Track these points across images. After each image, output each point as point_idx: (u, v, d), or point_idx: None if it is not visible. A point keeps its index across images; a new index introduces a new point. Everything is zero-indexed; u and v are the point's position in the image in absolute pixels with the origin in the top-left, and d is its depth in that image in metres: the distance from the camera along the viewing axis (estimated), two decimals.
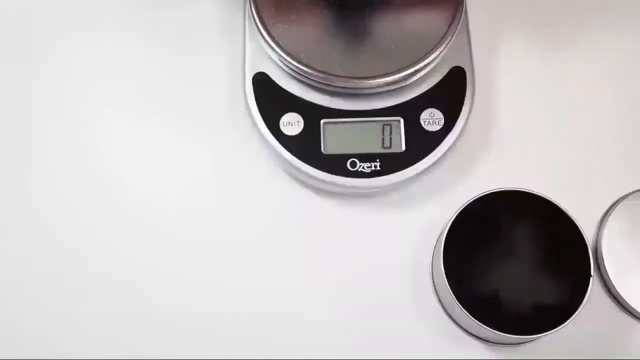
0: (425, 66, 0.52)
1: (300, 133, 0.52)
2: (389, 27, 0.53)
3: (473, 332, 0.51)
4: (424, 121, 0.53)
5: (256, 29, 0.53)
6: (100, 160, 0.55)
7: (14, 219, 0.54)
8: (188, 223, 0.54)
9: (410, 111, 0.53)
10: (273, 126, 0.52)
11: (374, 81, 0.51)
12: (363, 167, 0.52)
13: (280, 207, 0.54)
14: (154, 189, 0.55)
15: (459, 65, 0.54)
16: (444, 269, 0.48)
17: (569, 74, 0.58)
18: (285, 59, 0.52)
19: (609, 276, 0.51)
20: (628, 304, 0.51)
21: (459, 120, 0.53)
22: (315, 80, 0.52)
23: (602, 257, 0.52)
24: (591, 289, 0.47)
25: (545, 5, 0.60)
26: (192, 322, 0.52)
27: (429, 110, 0.53)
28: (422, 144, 0.52)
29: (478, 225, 0.49)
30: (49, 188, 0.54)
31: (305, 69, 0.51)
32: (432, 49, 0.52)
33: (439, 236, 0.52)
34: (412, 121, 0.53)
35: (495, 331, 0.47)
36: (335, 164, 0.52)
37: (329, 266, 0.53)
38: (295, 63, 0.51)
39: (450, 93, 0.53)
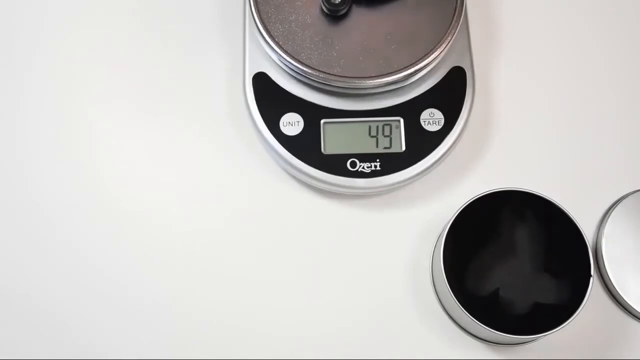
0: (425, 66, 0.52)
1: (300, 133, 0.52)
2: (389, 27, 0.53)
3: (473, 332, 0.51)
4: (424, 121, 0.53)
5: (256, 29, 0.53)
6: (99, 160, 0.55)
7: (14, 220, 0.54)
8: (187, 223, 0.54)
9: (410, 111, 0.53)
10: (273, 126, 0.52)
11: (374, 81, 0.51)
12: (363, 167, 0.52)
13: (280, 207, 0.54)
14: (154, 189, 0.55)
15: (459, 65, 0.54)
16: (444, 269, 0.48)
17: (569, 74, 0.58)
18: (285, 59, 0.52)
19: (609, 276, 0.51)
20: (628, 304, 0.51)
21: (459, 120, 0.53)
22: (315, 80, 0.52)
23: (602, 257, 0.52)
24: (591, 289, 0.47)
25: (545, 5, 0.60)
26: (191, 321, 0.52)
27: (429, 110, 0.53)
28: (422, 144, 0.52)
29: (478, 225, 0.49)
30: (49, 188, 0.54)
31: (305, 69, 0.51)
32: (432, 49, 0.52)
33: (439, 236, 0.52)
34: (412, 121, 0.53)
35: (495, 331, 0.47)
36: (335, 164, 0.52)
37: (329, 266, 0.53)
38: (295, 63, 0.51)
39: (450, 93, 0.53)
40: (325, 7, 0.52)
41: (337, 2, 0.52)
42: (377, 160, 0.52)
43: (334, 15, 0.53)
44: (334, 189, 0.52)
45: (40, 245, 0.53)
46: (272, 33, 0.52)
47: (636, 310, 0.51)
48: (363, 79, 0.51)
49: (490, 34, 0.58)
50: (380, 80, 0.51)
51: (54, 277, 0.52)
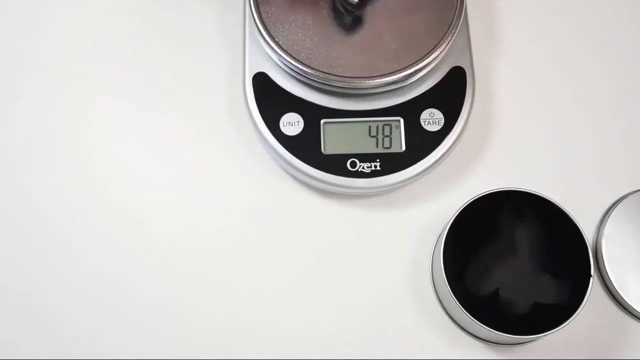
0: (425, 66, 0.52)
1: (300, 133, 0.52)
2: (389, 27, 0.53)
3: (473, 332, 0.51)
4: (424, 121, 0.53)
5: (256, 29, 0.53)
6: (99, 160, 0.55)
7: (14, 220, 0.54)
8: (187, 223, 0.54)
9: (410, 111, 0.53)
10: (273, 126, 0.52)
11: (374, 81, 0.51)
12: (363, 167, 0.52)
13: (280, 207, 0.54)
14: (154, 189, 0.55)
15: (459, 65, 0.54)
16: (444, 269, 0.48)
17: (569, 74, 0.58)
18: (285, 59, 0.52)
19: (609, 276, 0.51)
20: (628, 304, 0.51)
21: (459, 120, 0.53)
22: (315, 80, 0.52)
23: (602, 257, 0.52)
24: (591, 289, 0.47)
25: (545, 5, 0.60)
26: (191, 322, 0.52)
27: (429, 110, 0.53)
28: (422, 144, 0.52)
29: (478, 225, 0.49)
30: (49, 188, 0.54)
31: (305, 69, 0.51)
32: (432, 49, 0.52)
33: (439, 236, 0.52)
34: (412, 121, 0.53)
35: (495, 331, 0.47)
36: (335, 164, 0.52)
37: (329, 266, 0.53)
38: (295, 63, 0.51)
39: (450, 93, 0.53)
40: (343, 6, 0.52)
41: (355, 1, 0.52)
42: (377, 160, 0.52)
43: (353, 17, 0.53)
44: (334, 189, 0.52)
45: (40, 246, 0.53)
46: (272, 33, 0.52)
47: (636, 310, 0.51)
48: (363, 79, 0.51)
49: (490, 34, 0.58)
50: (380, 80, 0.51)
51: (54, 277, 0.52)
